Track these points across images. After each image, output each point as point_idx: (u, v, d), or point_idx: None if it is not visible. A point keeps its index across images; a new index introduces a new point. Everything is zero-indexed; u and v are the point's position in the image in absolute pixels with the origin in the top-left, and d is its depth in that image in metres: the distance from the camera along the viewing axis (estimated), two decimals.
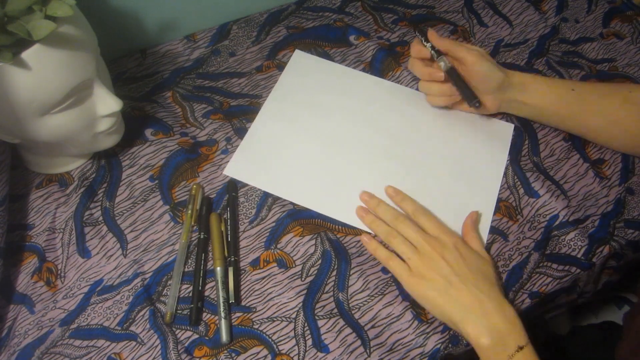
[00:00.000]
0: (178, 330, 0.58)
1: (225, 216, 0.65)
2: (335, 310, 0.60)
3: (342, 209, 0.66)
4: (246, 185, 0.67)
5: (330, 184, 0.67)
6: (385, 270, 0.62)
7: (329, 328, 0.59)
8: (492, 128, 0.73)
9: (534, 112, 0.70)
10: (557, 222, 0.66)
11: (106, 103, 0.59)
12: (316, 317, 0.59)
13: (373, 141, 0.71)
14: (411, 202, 0.64)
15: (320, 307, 0.60)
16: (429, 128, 0.72)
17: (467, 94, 0.67)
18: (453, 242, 0.58)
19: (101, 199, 0.66)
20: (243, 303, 0.60)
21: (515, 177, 0.69)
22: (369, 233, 0.64)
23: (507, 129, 0.72)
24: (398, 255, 0.60)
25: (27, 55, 0.50)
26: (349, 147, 0.70)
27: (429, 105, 0.73)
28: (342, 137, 0.71)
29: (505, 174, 0.69)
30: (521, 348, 0.52)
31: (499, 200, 0.67)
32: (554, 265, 0.63)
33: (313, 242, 0.64)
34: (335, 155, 0.69)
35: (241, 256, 0.63)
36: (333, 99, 0.74)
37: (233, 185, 0.67)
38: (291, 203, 0.66)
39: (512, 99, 0.69)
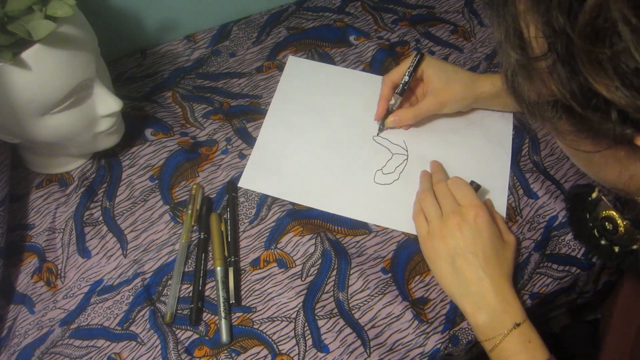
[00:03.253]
0: (178, 330, 0.58)
1: (225, 216, 0.65)
2: (335, 310, 0.60)
3: (359, 207, 0.66)
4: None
5: (345, 184, 0.68)
6: (385, 270, 0.62)
7: (329, 328, 0.59)
8: (493, 118, 0.73)
9: (508, 109, 0.73)
10: (556, 223, 0.66)
11: (106, 103, 0.59)
12: (316, 317, 0.59)
13: (380, 137, 0.72)
14: (444, 172, 0.67)
15: (320, 307, 0.60)
16: (431, 118, 0.73)
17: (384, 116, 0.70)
18: (474, 216, 0.57)
19: (101, 199, 0.66)
20: (243, 303, 0.60)
21: (515, 178, 0.69)
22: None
23: (506, 118, 0.73)
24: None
25: (27, 55, 0.50)
26: (355, 146, 0.71)
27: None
28: (347, 137, 0.71)
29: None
30: (518, 325, 0.54)
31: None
32: (554, 266, 0.63)
33: (313, 241, 0.64)
34: (343, 156, 0.70)
35: (241, 256, 0.63)
36: (333, 100, 0.74)
37: (233, 186, 0.67)
38: (291, 203, 0.66)
39: (487, 104, 0.72)
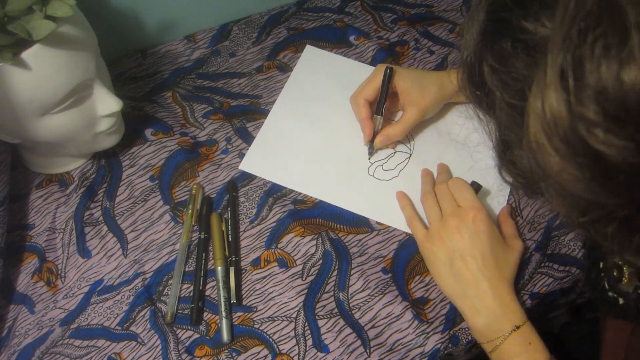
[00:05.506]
0: (179, 330, 0.58)
1: (225, 216, 0.65)
2: (336, 310, 0.60)
3: (357, 200, 0.66)
4: (247, 185, 0.68)
5: (345, 176, 0.68)
6: (385, 270, 0.62)
7: (329, 328, 0.59)
8: None
9: None
10: (556, 223, 0.66)
11: (106, 103, 0.59)
12: (316, 317, 0.59)
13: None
14: (449, 174, 0.67)
15: (320, 307, 0.60)
16: (439, 120, 0.73)
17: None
18: (472, 218, 0.57)
19: (101, 199, 0.66)
20: (244, 303, 0.60)
21: None
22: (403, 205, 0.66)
23: None
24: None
25: (27, 55, 0.50)
26: (361, 140, 0.71)
27: None
28: (354, 130, 0.71)
29: None
30: (518, 327, 0.54)
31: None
32: (555, 266, 0.63)
33: (314, 242, 0.64)
34: (346, 148, 0.70)
35: (242, 256, 0.63)
36: (345, 93, 0.74)
37: (233, 185, 0.67)
38: (292, 202, 0.66)
39: (456, 99, 0.71)
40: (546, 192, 0.33)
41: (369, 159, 0.70)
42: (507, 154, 0.35)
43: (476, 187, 0.63)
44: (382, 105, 0.66)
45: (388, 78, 0.65)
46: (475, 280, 0.56)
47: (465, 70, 0.36)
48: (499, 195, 0.67)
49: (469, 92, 0.37)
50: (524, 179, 0.36)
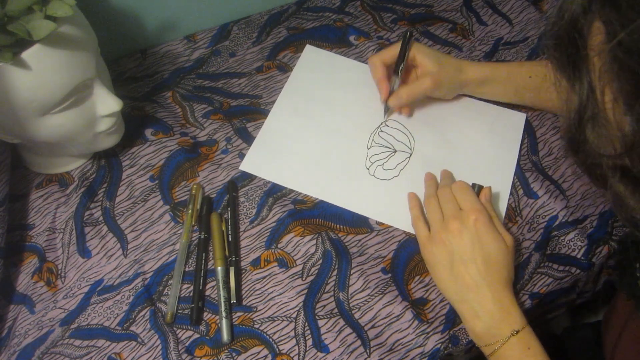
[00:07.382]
0: (179, 330, 0.58)
1: (225, 216, 0.65)
2: (336, 310, 0.60)
3: (357, 200, 0.67)
4: (247, 185, 0.68)
5: (345, 176, 0.68)
6: (385, 270, 0.62)
7: (329, 328, 0.59)
8: (504, 118, 0.73)
9: (493, 97, 0.73)
10: (556, 223, 0.66)
11: (106, 103, 0.59)
12: (316, 317, 0.59)
13: (386, 134, 0.72)
14: (452, 179, 0.67)
15: (320, 307, 0.60)
16: (440, 119, 0.73)
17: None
18: (474, 221, 0.57)
19: (101, 199, 0.66)
20: (244, 303, 0.60)
21: (515, 178, 0.69)
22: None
23: (519, 119, 0.73)
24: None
25: (27, 55, 0.50)
26: (362, 140, 0.71)
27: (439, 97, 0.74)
28: (354, 130, 0.72)
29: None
30: (517, 332, 0.53)
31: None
32: (555, 266, 0.63)
33: (314, 242, 0.64)
34: (346, 148, 0.70)
35: (242, 256, 0.63)
36: (345, 92, 0.74)
37: (233, 185, 0.67)
38: (292, 202, 0.66)
39: (473, 91, 0.72)
40: (607, 171, 0.33)
41: (384, 116, 0.72)
42: (579, 131, 0.34)
43: (477, 189, 0.63)
44: (400, 65, 0.67)
45: (408, 40, 0.66)
46: (475, 285, 0.55)
47: (558, 30, 0.34)
48: (500, 196, 0.67)
49: (559, 55, 0.35)
50: (590, 158, 0.35)
